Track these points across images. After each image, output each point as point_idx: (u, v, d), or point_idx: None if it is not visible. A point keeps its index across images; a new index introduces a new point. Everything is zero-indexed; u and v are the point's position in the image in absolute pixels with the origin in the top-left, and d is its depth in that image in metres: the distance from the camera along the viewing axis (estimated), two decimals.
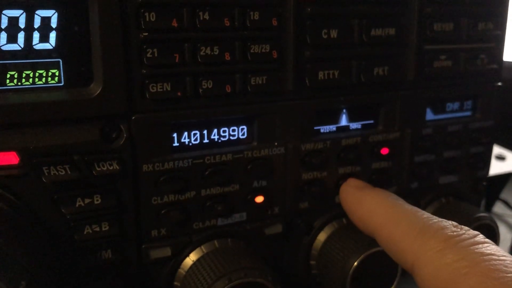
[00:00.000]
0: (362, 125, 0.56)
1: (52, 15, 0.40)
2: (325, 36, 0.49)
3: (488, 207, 1.00)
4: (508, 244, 0.88)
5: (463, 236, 0.37)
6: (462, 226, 0.39)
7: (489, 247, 0.36)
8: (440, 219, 0.41)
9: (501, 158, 1.00)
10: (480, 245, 0.36)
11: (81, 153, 0.42)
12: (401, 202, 0.46)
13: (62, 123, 0.41)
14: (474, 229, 0.55)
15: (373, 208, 0.46)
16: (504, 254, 0.35)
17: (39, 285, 0.35)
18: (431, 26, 0.55)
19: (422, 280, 0.38)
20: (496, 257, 0.34)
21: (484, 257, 0.34)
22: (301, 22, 0.48)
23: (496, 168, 0.94)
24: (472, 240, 0.37)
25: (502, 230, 0.91)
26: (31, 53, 0.40)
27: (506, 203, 0.99)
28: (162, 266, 0.49)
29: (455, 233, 0.38)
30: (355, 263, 0.50)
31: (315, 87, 0.50)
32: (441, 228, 0.39)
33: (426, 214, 0.42)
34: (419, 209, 0.44)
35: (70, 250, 0.43)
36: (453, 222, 0.40)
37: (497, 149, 1.02)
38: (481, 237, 0.38)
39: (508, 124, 0.99)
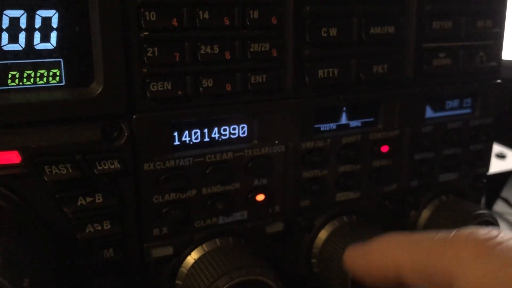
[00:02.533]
0: (362, 123, 0.56)
1: (53, 15, 0.40)
2: (324, 35, 0.49)
3: (489, 206, 1.00)
4: None
5: (497, 239, 0.33)
6: (488, 227, 0.35)
7: None
8: (463, 228, 0.36)
9: (501, 156, 1.00)
10: None
11: (82, 152, 0.42)
12: (408, 233, 0.40)
13: (63, 123, 0.42)
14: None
15: (385, 248, 0.40)
16: None
17: (41, 283, 0.35)
18: (430, 24, 0.55)
19: None
20: None
21: None
22: (300, 20, 0.48)
23: (496, 166, 0.94)
24: (510, 242, 0.32)
25: (503, 228, 0.92)
26: (32, 53, 0.40)
27: (506, 201, 0.99)
28: (164, 264, 0.49)
29: (487, 236, 0.33)
30: None
31: (314, 86, 0.51)
32: (469, 233, 0.34)
33: (441, 231, 0.37)
34: (430, 232, 0.39)
35: (72, 248, 0.43)
36: (478, 226, 0.36)
37: (497, 148, 1.02)
38: None
39: (509, 123, 0.99)
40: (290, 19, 0.48)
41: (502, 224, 0.94)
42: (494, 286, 0.31)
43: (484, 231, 0.34)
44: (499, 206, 1.00)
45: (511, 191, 1.02)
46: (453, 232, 0.35)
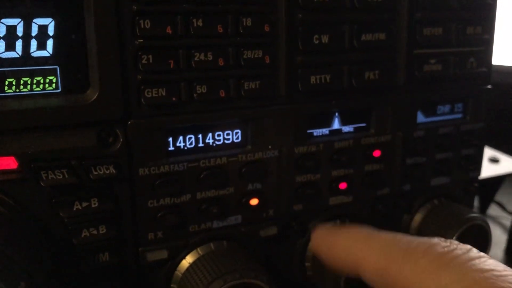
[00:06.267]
0: (355, 128, 0.57)
1: (49, 23, 0.41)
2: (316, 42, 0.50)
3: (483, 210, 1.01)
4: (503, 246, 0.88)
5: (456, 252, 0.34)
6: (451, 240, 0.36)
7: (487, 262, 0.33)
8: (426, 238, 0.37)
9: (494, 160, 1.01)
10: (477, 260, 0.33)
11: (78, 157, 0.43)
12: (377, 231, 0.42)
13: (59, 129, 0.42)
14: (467, 229, 0.57)
15: (350, 244, 0.42)
16: (505, 268, 0.32)
17: (37, 287, 0.36)
18: (421, 30, 0.56)
19: None
20: (498, 273, 0.31)
21: (485, 274, 0.31)
22: (293, 28, 0.49)
23: (490, 170, 0.95)
24: (466, 255, 0.33)
25: (497, 232, 0.92)
26: (29, 61, 0.41)
27: (500, 205, 1.00)
28: (159, 268, 0.49)
29: (446, 248, 0.34)
30: None
31: (307, 92, 0.51)
32: (429, 246, 0.35)
33: (407, 237, 0.39)
34: (398, 233, 0.40)
35: (68, 253, 0.44)
36: (440, 238, 0.37)
37: (490, 152, 1.03)
38: (474, 251, 0.34)
39: (501, 127, 1.00)
40: (283, 26, 0.49)
41: (496, 227, 0.95)
42: None
43: (443, 244, 0.35)
44: (493, 210, 1.01)
45: (505, 195, 1.03)
46: (415, 242, 0.36)
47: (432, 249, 0.35)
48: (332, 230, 0.45)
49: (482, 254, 0.34)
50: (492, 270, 0.32)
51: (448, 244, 0.35)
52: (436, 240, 0.36)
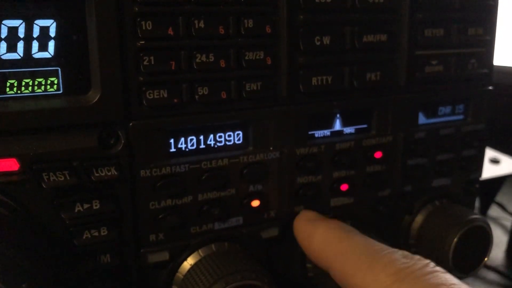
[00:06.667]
0: (356, 129, 0.56)
1: (51, 24, 0.41)
2: (318, 43, 0.50)
3: (484, 210, 1.01)
4: (504, 247, 0.88)
5: (413, 267, 0.38)
6: (413, 255, 0.40)
7: (438, 276, 0.37)
8: (391, 250, 0.41)
9: (495, 161, 1.01)
10: (430, 275, 0.37)
11: (80, 159, 0.43)
12: (352, 234, 0.46)
13: (61, 130, 0.42)
14: (468, 230, 0.57)
15: (324, 241, 0.46)
16: (454, 282, 0.36)
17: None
18: (422, 31, 0.56)
19: None
20: (446, 287, 0.35)
21: None
22: (294, 29, 0.49)
23: (491, 171, 0.95)
24: (421, 270, 0.37)
25: (498, 233, 0.92)
26: (31, 62, 0.41)
27: (501, 206, 1.00)
28: (160, 270, 0.49)
29: (404, 264, 0.38)
30: None
31: (308, 93, 0.51)
32: (391, 261, 0.39)
33: (377, 246, 0.42)
34: (370, 240, 0.44)
35: (70, 254, 0.44)
36: (404, 252, 0.40)
37: (491, 153, 1.03)
38: (431, 265, 0.38)
39: (502, 128, 1.00)
40: (284, 27, 0.49)
41: (497, 228, 0.95)
42: None
43: (403, 260, 0.39)
44: (494, 211, 1.01)
45: (506, 195, 1.03)
46: (381, 253, 0.40)
47: (393, 264, 0.39)
48: (312, 220, 0.50)
49: (437, 269, 0.38)
50: (442, 284, 0.35)
51: (407, 260, 0.39)
52: (398, 254, 0.40)
